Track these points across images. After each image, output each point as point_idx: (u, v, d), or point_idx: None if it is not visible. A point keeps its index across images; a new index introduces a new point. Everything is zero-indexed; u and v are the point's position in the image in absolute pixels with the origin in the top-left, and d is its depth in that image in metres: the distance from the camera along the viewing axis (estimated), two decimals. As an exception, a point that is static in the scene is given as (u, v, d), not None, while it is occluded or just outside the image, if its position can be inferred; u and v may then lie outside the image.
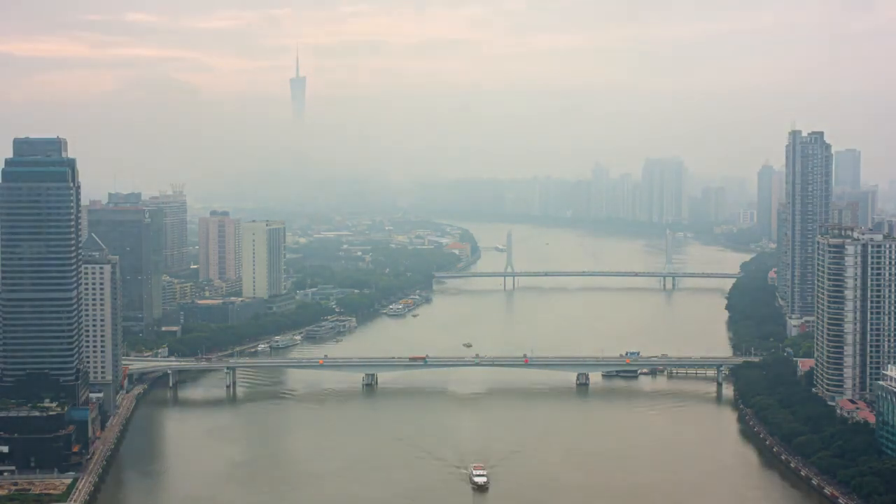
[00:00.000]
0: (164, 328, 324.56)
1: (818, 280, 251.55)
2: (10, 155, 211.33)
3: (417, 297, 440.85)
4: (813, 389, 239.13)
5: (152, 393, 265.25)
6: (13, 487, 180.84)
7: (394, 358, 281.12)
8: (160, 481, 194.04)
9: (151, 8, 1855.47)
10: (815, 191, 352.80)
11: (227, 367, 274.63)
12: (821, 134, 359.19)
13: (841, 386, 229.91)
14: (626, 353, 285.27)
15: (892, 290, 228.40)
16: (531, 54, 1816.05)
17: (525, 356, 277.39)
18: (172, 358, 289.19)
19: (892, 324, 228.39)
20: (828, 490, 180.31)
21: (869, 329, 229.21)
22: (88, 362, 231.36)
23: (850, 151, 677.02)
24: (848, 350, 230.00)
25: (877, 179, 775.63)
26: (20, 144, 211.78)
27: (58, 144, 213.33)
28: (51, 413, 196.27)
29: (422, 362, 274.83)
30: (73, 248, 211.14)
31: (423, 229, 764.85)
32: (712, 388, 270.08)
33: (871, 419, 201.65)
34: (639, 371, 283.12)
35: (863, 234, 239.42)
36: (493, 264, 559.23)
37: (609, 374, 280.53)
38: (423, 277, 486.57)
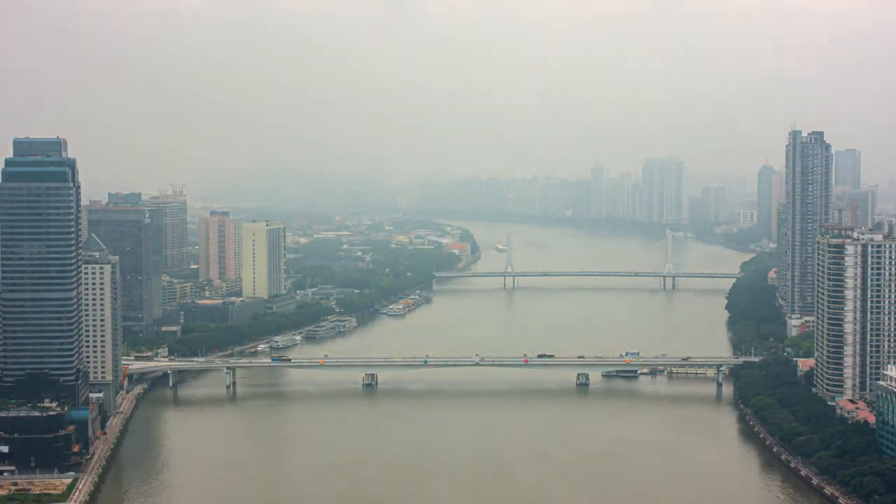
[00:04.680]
0: (164, 328, 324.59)
1: (818, 280, 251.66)
2: (10, 155, 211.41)
3: (417, 297, 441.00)
4: (813, 389, 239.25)
5: (152, 393, 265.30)
6: (13, 487, 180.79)
7: (394, 358, 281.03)
8: (160, 481, 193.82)
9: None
10: (815, 191, 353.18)
11: (227, 367, 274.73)
12: (821, 134, 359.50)
13: (841, 386, 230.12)
14: (626, 353, 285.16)
15: (892, 290, 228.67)
16: (531, 56, 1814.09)
17: (525, 356, 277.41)
18: (172, 358, 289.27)
19: (892, 324, 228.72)
20: (828, 490, 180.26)
21: (869, 329, 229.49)
22: (88, 362, 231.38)
23: (850, 151, 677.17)
24: (848, 350, 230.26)
25: (877, 179, 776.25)
26: (20, 144, 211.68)
27: (58, 144, 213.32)
28: (51, 413, 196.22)
29: (421, 363, 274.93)
30: (73, 248, 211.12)
31: (423, 229, 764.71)
32: (712, 388, 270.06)
33: (871, 419, 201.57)
34: (639, 371, 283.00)
35: (863, 234, 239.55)
36: (493, 264, 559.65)
37: (609, 374, 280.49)
38: (423, 277, 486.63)
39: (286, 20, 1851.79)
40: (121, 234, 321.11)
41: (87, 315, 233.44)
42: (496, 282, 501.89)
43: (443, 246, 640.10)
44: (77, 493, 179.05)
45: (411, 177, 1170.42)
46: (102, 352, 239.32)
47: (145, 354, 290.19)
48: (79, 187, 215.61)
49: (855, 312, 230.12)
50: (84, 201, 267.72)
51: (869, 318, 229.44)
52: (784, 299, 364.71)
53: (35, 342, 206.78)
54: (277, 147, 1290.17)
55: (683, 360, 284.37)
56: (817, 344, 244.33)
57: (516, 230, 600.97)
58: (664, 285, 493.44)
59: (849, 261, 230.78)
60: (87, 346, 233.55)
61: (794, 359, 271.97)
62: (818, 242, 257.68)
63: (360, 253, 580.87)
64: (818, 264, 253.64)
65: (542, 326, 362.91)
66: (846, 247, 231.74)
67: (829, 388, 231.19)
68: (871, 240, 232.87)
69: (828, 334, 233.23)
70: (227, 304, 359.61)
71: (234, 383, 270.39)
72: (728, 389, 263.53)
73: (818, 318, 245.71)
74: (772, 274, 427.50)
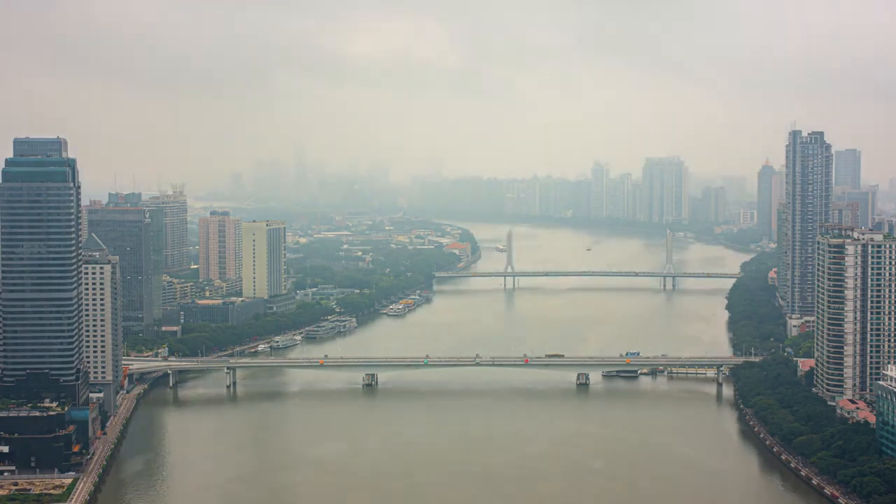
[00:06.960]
0: (164, 328, 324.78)
1: (818, 280, 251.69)
2: (10, 155, 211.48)
3: (418, 297, 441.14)
4: (813, 389, 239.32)
5: (152, 393, 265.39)
6: (13, 487, 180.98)
7: (394, 358, 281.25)
8: (160, 482, 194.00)
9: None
10: (815, 191, 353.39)
11: (227, 367, 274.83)
12: (821, 134, 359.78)
13: (841, 386, 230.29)
14: (626, 353, 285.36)
15: (892, 290, 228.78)
16: (531, 56, 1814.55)
17: (525, 356, 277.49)
18: (172, 358, 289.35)
19: (892, 324, 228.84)
20: (828, 490, 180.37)
21: (869, 329, 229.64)
22: (88, 362, 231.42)
23: (850, 151, 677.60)
24: (848, 350, 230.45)
25: (877, 179, 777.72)
26: (20, 144, 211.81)
27: (58, 144, 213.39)
28: (51, 413, 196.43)
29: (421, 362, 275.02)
30: (73, 248, 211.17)
31: (423, 229, 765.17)
32: (712, 388, 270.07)
33: (872, 419, 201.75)
34: (639, 371, 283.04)
35: (863, 234, 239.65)
36: (493, 264, 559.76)
37: (609, 374, 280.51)
38: (423, 277, 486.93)
39: (287, 22, 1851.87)
40: (121, 234, 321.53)
41: (87, 315, 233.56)
42: (496, 282, 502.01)
43: (443, 246, 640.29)
44: (77, 493, 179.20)
45: (411, 177, 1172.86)
46: (102, 352, 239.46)
47: (145, 354, 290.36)
48: (79, 187, 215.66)
49: (855, 312, 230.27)
50: (84, 201, 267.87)
51: (869, 318, 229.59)
52: (784, 299, 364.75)
53: (35, 342, 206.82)
54: (277, 147, 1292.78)
55: (683, 360, 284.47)
56: (817, 344, 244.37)
57: (516, 230, 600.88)
58: (664, 285, 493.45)
59: (849, 261, 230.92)
60: (87, 346, 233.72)
61: (794, 359, 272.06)
62: (818, 242, 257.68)
63: (360, 253, 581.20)
64: (818, 264, 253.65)
65: (543, 326, 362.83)
66: (846, 247, 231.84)
67: (830, 388, 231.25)
68: (871, 240, 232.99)
69: (828, 334, 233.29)
70: (227, 304, 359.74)
71: (234, 383, 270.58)
72: (728, 389, 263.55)
73: (818, 318, 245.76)
74: (772, 274, 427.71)
